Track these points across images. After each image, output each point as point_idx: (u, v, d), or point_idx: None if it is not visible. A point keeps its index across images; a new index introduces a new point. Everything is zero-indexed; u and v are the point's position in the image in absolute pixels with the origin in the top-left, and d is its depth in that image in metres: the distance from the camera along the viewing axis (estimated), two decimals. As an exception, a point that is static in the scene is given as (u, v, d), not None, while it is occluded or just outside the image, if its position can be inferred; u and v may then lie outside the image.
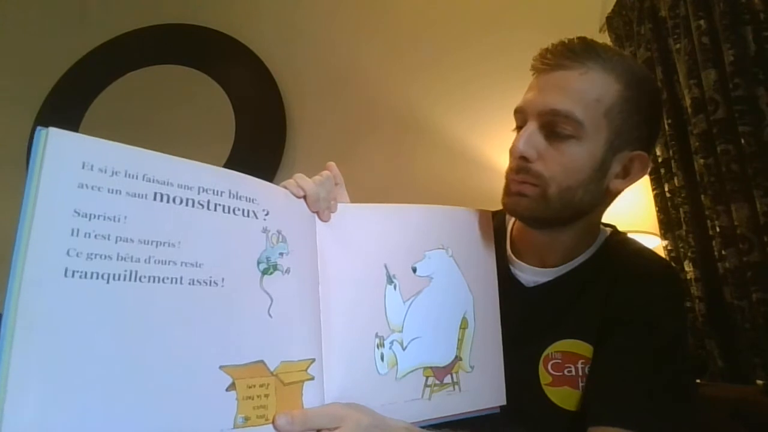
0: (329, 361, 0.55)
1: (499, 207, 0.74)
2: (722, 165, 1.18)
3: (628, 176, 0.71)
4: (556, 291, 0.74)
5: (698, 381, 1.17)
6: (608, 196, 0.73)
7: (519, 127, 0.71)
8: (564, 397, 0.69)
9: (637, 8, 1.55)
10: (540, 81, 0.69)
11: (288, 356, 0.51)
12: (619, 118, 0.67)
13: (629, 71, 0.68)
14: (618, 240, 0.78)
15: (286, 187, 0.58)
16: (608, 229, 0.80)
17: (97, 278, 0.42)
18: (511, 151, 0.69)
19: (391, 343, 0.61)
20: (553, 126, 0.66)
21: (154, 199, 0.46)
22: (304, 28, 2.13)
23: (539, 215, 0.70)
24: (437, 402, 0.63)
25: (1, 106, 2.18)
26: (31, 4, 2.32)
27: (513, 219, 0.82)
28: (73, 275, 0.41)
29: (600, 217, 0.77)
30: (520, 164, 0.68)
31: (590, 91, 0.66)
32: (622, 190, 0.73)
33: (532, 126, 0.67)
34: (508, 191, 0.71)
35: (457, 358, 0.66)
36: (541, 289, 0.75)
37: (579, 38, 0.69)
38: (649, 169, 0.72)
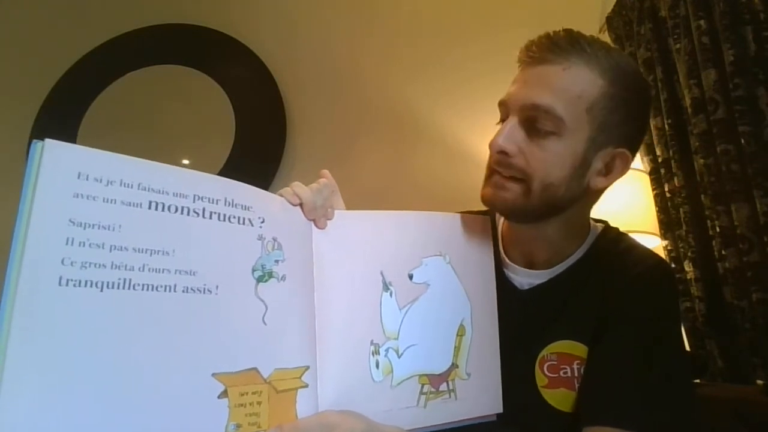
0: (324, 369, 0.55)
1: None
2: (722, 165, 1.18)
3: (609, 174, 0.70)
4: (550, 293, 0.74)
5: (698, 381, 1.17)
6: (589, 194, 0.72)
7: (502, 120, 0.71)
8: (560, 398, 0.69)
9: (637, 8, 1.54)
10: (524, 74, 0.68)
11: (282, 363, 0.52)
12: (602, 115, 0.66)
13: (615, 67, 0.66)
14: (610, 237, 0.78)
15: (282, 195, 0.58)
16: (599, 226, 0.79)
17: (91, 286, 0.42)
18: (491, 145, 0.68)
19: (387, 350, 0.61)
20: (533, 121, 0.66)
21: (149, 207, 0.46)
22: (304, 28, 2.13)
23: (518, 209, 0.69)
24: (432, 410, 0.63)
25: (1, 106, 2.18)
26: (31, 4, 2.32)
27: (502, 219, 0.82)
28: (67, 284, 0.41)
29: (586, 214, 0.77)
30: (500, 159, 0.68)
31: (572, 86, 0.65)
32: (603, 188, 0.72)
33: (512, 120, 0.67)
34: (488, 182, 0.71)
35: (454, 366, 0.66)
36: (536, 291, 0.75)
37: (565, 31, 0.67)
38: (629, 168, 0.70)
